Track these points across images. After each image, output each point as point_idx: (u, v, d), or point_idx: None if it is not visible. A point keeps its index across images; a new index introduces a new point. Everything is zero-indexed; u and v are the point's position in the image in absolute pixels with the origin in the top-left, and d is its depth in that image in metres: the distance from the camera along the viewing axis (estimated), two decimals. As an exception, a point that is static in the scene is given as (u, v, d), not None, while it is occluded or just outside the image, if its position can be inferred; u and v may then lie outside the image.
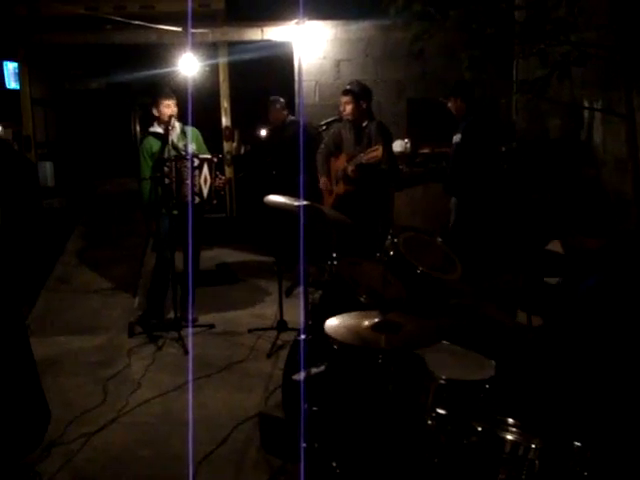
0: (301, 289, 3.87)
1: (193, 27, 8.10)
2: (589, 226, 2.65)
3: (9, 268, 3.33)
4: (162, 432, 3.96)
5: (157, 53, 9.23)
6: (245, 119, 9.27)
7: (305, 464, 2.94)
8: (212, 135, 7.56)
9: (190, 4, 7.71)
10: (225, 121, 8.90)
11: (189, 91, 6.54)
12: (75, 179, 10.10)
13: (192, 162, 5.22)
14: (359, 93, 5.54)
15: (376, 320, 2.81)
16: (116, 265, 7.21)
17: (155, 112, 5.52)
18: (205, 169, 5.34)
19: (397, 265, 3.57)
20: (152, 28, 8.03)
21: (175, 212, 5.37)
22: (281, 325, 5.28)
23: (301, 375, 3.20)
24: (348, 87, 5.62)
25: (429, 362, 2.80)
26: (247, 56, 8.20)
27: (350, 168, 5.41)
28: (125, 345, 5.33)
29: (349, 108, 5.53)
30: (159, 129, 5.49)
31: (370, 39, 8.51)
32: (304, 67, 8.47)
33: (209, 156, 5.45)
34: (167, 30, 8.05)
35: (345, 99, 5.55)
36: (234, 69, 8.81)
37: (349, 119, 5.60)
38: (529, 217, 5.40)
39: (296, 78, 8.49)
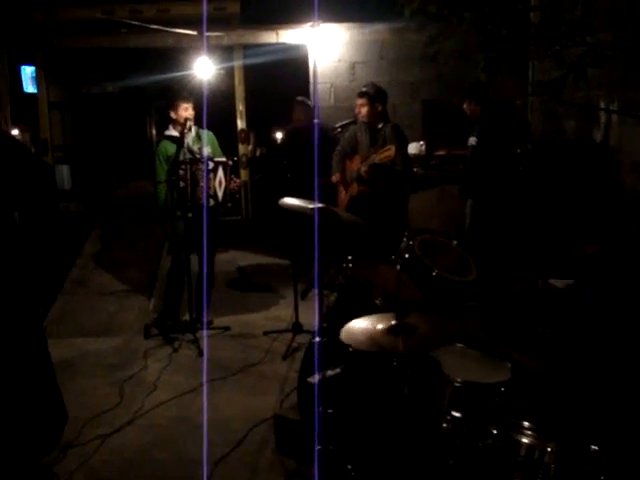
0: (316, 291, 3.87)
1: (208, 30, 8.14)
2: (592, 231, 2.65)
3: (27, 271, 3.36)
4: (177, 434, 3.97)
5: (173, 57, 9.26)
6: (261, 122, 9.29)
7: (320, 466, 2.94)
8: (228, 138, 7.58)
9: (205, 7, 7.76)
10: (240, 124, 8.93)
11: (204, 94, 6.56)
12: (91, 182, 10.14)
13: (207, 165, 5.26)
14: (374, 95, 5.53)
15: (392, 323, 2.81)
16: (132, 268, 7.23)
17: (173, 115, 5.55)
18: (220, 172, 5.37)
19: (413, 267, 3.57)
20: (167, 32, 8.09)
21: (190, 215, 5.41)
22: (296, 327, 5.28)
23: (316, 377, 3.19)
24: (363, 89, 5.61)
25: (444, 365, 2.79)
26: (262, 59, 8.23)
27: (363, 169, 5.39)
28: (141, 347, 5.36)
29: (364, 110, 5.53)
30: (174, 132, 5.52)
31: (385, 41, 8.51)
32: (319, 70, 8.48)
33: (224, 159, 5.48)
34: (182, 34, 8.09)
35: (360, 101, 5.55)
36: (249, 72, 8.84)
37: (364, 121, 5.60)
38: (545, 219, 5.36)
39: (311, 80, 8.50)
